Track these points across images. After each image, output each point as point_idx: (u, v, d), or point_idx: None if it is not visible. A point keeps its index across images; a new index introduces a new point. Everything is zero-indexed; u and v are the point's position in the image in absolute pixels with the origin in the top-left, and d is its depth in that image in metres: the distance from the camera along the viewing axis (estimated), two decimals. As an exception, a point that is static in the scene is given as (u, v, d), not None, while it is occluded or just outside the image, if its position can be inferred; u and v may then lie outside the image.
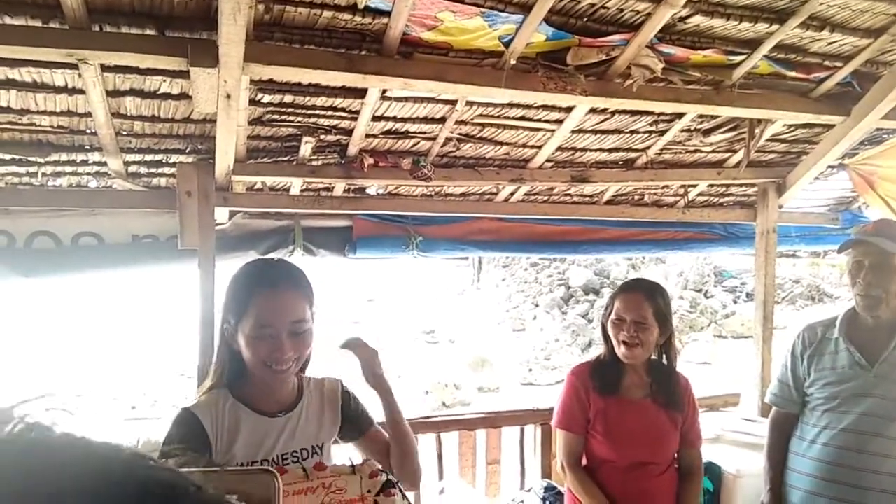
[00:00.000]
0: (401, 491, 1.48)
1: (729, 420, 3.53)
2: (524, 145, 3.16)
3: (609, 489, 2.30)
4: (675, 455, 2.40)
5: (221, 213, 3.07)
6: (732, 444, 3.31)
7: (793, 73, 2.89)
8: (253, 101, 2.51)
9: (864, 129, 3.13)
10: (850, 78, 3.00)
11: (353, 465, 1.50)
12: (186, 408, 1.57)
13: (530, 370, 12.68)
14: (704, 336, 13.90)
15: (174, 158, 2.83)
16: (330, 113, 2.70)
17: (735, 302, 15.44)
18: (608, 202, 3.71)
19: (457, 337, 16.34)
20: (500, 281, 20.89)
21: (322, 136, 2.82)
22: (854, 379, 2.26)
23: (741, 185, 3.85)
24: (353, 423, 1.74)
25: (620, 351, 2.31)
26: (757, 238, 3.84)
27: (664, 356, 2.41)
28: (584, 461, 2.40)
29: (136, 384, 11.78)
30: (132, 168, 2.86)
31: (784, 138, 3.50)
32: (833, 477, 2.23)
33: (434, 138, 2.97)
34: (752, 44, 2.70)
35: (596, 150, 3.31)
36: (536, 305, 17.62)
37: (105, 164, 2.77)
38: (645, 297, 2.30)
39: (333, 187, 3.19)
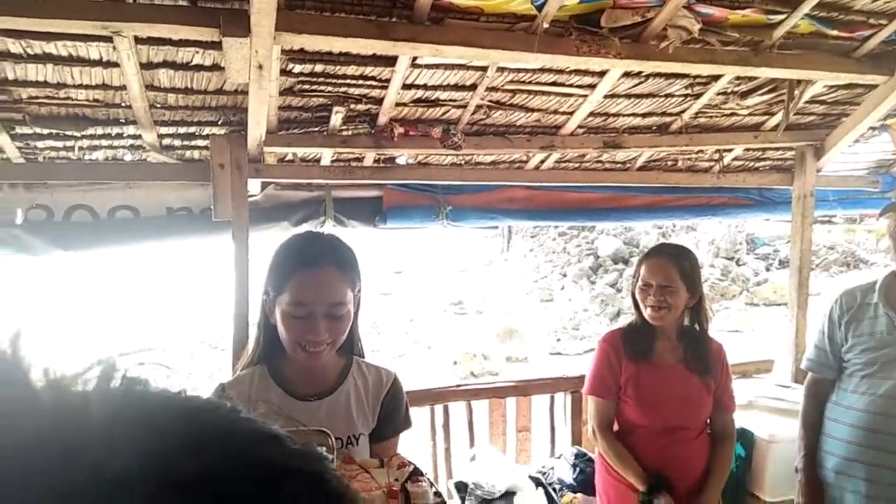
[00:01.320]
0: (428, 479, 1.46)
1: (762, 386, 3.51)
2: (556, 112, 3.12)
3: (641, 454, 2.31)
4: (708, 420, 2.40)
5: (254, 185, 3.10)
6: (765, 409, 3.29)
7: (835, 32, 2.79)
8: (284, 72, 2.50)
9: (907, 89, 3.02)
10: (895, 36, 2.89)
11: (381, 459, 1.44)
12: (221, 384, 1.56)
13: (559, 340, 12.68)
14: (736, 304, 13.75)
15: (207, 131, 2.85)
16: (360, 82, 2.69)
17: (767, 269, 15.20)
18: (641, 168, 3.66)
19: (485, 308, 16.39)
20: (527, 251, 20.84)
21: (352, 106, 2.82)
22: (893, 344, 2.22)
23: (778, 149, 3.76)
24: (380, 422, 1.62)
25: (648, 314, 2.31)
26: (794, 202, 3.76)
27: (696, 322, 2.39)
28: (615, 427, 2.41)
29: (169, 358, 12.05)
30: (166, 141, 2.89)
31: (824, 100, 3.40)
32: (870, 443, 2.20)
33: (464, 106, 2.95)
34: (793, 2, 2.61)
35: (629, 116, 3.25)
36: (564, 275, 17.55)
37: (139, 137, 2.80)
38: (669, 260, 2.31)
39: (364, 157, 3.19)
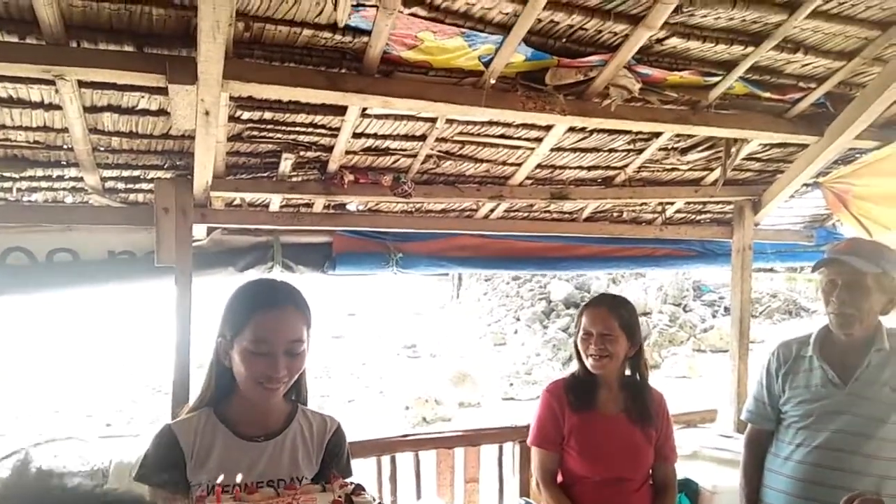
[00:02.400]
0: (370, 494, 1.49)
1: (706, 436, 3.55)
2: (504, 163, 3.18)
3: None
4: (650, 471, 2.41)
5: (199, 230, 3.05)
6: (709, 460, 3.32)
7: (767, 94, 2.94)
8: (232, 118, 2.50)
9: (837, 148, 3.18)
10: (824, 99, 3.05)
11: (323, 484, 1.49)
12: (168, 425, 1.58)
13: (511, 385, 12.66)
14: (684, 350, 13.98)
15: (152, 174, 2.81)
16: (310, 130, 2.70)
17: (714, 316, 15.56)
18: (587, 219, 3.74)
19: (438, 351, 16.31)
20: (481, 295, 20.91)
21: (302, 153, 2.82)
22: (828, 397, 2.28)
23: (718, 203, 3.90)
24: (323, 467, 1.66)
25: (590, 363, 2.34)
26: (733, 255, 3.89)
27: (636, 371, 2.43)
28: (559, 478, 2.40)
29: (111, 401, 11.60)
30: (109, 184, 2.83)
31: (759, 157, 3.56)
32: (808, 494, 2.24)
33: (414, 155, 2.98)
34: (728, 65, 2.74)
35: (575, 168, 3.34)
36: (518, 319, 17.64)
37: (81, 179, 2.74)
38: (609, 310, 2.38)
39: (313, 203, 3.18)
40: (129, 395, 12.02)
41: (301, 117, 2.60)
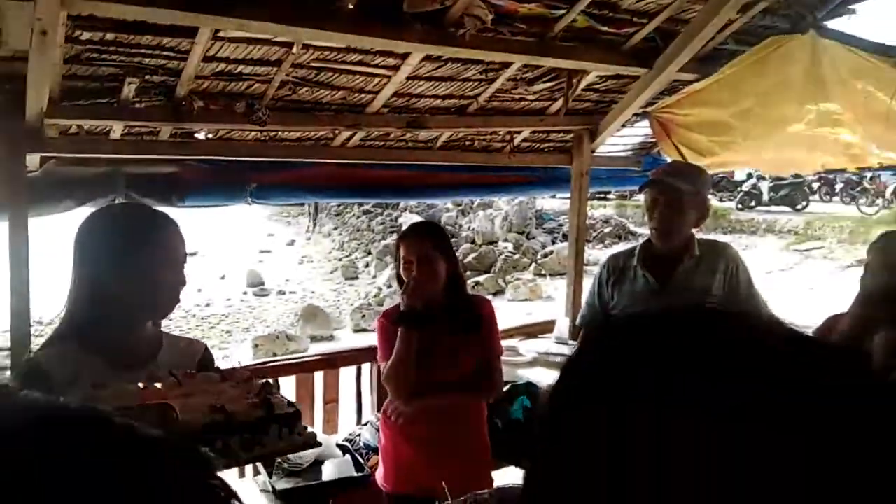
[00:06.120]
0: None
1: (544, 344, 3.94)
2: (361, 90, 3.19)
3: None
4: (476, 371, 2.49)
5: (31, 160, 2.81)
6: (548, 365, 3.68)
7: (605, 28, 3.17)
8: (70, 39, 2.30)
9: (663, 80, 3.52)
10: (654, 34, 3.34)
11: (221, 372, 1.54)
12: (31, 359, 1.50)
13: (363, 316, 12.82)
14: (526, 275, 14.86)
15: (-26, 99, 2.53)
16: (156, 52, 2.55)
17: (554, 242, 16.60)
18: (441, 147, 3.86)
19: (288, 288, 16.12)
20: (332, 230, 20.76)
21: (147, 77, 2.66)
22: (649, 300, 2.62)
23: (559, 132, 4.17)
24: None
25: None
26: (572, 179, 4.21)
27: (455, 288, 2.48)
28: None
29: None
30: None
31: (597, 88, 3.83)
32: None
33: (269, 81, 2.91)
34: (571, -1, 2.92)
35: (431, 97, 3.42)
36: (369, 253, 17.80)
37: None
38: (424, 235, 2.46)
39: (159, 131, 3.03)
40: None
41: (147, 39, 2.45)
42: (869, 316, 1.32)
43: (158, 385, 1.41)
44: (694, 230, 2.65)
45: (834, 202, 17.67)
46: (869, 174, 15.87)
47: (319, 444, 1.56)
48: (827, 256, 14.05)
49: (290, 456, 2.85)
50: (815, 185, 18.05)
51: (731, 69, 3.48)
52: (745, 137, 3.82)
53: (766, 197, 17.57)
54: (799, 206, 17.27)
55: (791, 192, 17.23)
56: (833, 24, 3.36)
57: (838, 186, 17.62)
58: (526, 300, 13.34)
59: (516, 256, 15.70)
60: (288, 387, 3.51)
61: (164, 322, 1.70)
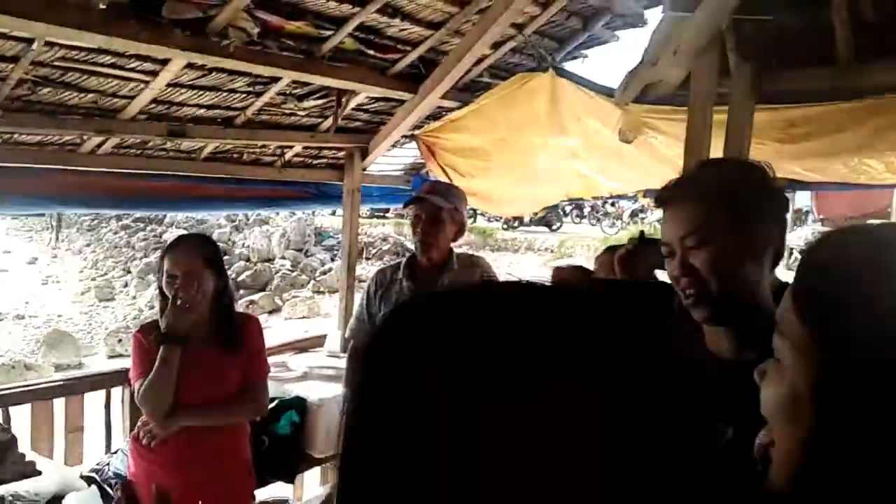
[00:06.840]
0: None
1: (316, 358, 3.96)
2: (114, 95, 2.98)
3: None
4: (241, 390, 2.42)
5: None
6: (318, 378, 3.70)
7: (371, 52, 3.31)
8: None
9: (427, 106, 3.75)
10: (417, 62, 3.56)
11: None
12: None
13: (120, 341, 11.66)
14: (304, 293, 14.67)
15: None
16: None
17: (333, 259, 16.57)
18: (207, 159, 3.72)
19: (28, 312, 14.20)
20: (83, 247, 18.72)
21: None
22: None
23: (331, 149, 4.23)
24: None
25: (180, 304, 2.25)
26: (344, 196, 4.30)
27: (223, 302, 2.41)
28: None
29: None
30: None
31: (367, 108, 3.96)
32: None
33: (4, 79, 2.61)
34: (339, 21, 3.01)
35: (193, 106, 3.28)
36: (128, 272, 16.33)
37: None
38: (189, 249, 2.32)
39: None
40: None
41: None
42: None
43: None
44: (453, 244, 2.86)
45: (583, 224, 19.93)
46: (610, 200, 18.19)
47: (38, 473, 1.41)
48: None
49: (23, 491, 2.53)
50: (568, 209, 20.19)
51: (485, 100, 3.82)
52: (499, 164, 4.20)
53: (527, 219, 19.30)
54: (554, 227, 19.25)
55: (548, 215, 19.09)
56: (569, 65, 3.85)
57: (586, 210, 19.89)
58: (304, 318, 13.17)
59: (294, 274, 15.45)
60: (23, 417, 3.14)
61: None
